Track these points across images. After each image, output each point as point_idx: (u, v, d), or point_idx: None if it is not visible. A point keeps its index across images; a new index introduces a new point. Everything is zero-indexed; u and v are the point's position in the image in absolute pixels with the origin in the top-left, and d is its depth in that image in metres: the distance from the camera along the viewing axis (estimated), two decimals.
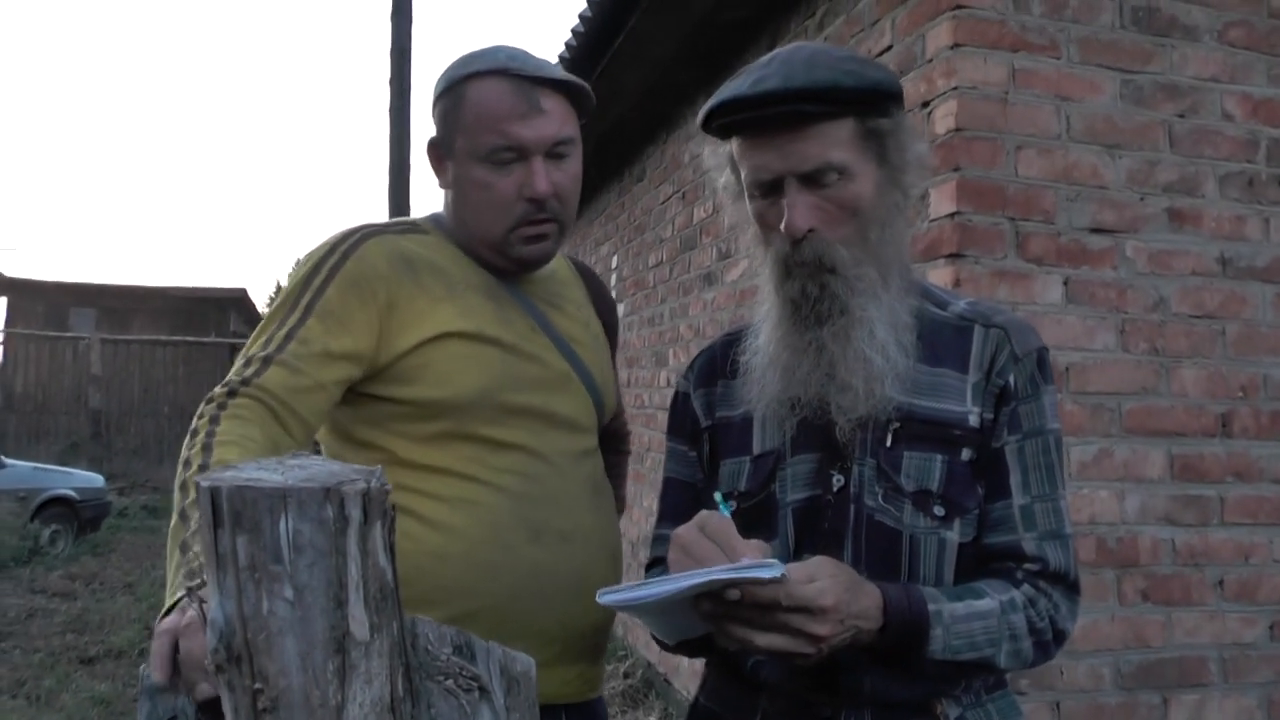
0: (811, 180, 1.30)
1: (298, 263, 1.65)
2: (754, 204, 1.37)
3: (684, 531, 1.22)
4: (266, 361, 1.48)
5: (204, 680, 1.05)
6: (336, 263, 1.58)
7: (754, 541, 1.21)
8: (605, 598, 1.14)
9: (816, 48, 1.35)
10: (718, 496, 1.33)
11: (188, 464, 1.36)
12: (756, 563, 1.11)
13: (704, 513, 1.25)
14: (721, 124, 1.36)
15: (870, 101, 1.30)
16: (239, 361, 1.51)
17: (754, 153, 1.33)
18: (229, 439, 1.36)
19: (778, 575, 1.08)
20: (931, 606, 1.22)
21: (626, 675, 5.70)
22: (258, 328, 1.57)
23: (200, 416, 1.42)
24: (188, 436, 1.41)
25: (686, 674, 4.94)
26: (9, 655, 6.62)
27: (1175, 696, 2.77)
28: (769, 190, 1.34)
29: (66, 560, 10.13)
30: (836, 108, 1.28)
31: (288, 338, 1.51)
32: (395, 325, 1.57)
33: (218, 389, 1.47)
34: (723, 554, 1.17)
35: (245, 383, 1.45)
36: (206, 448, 1.35)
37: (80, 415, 17.54)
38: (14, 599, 8.23)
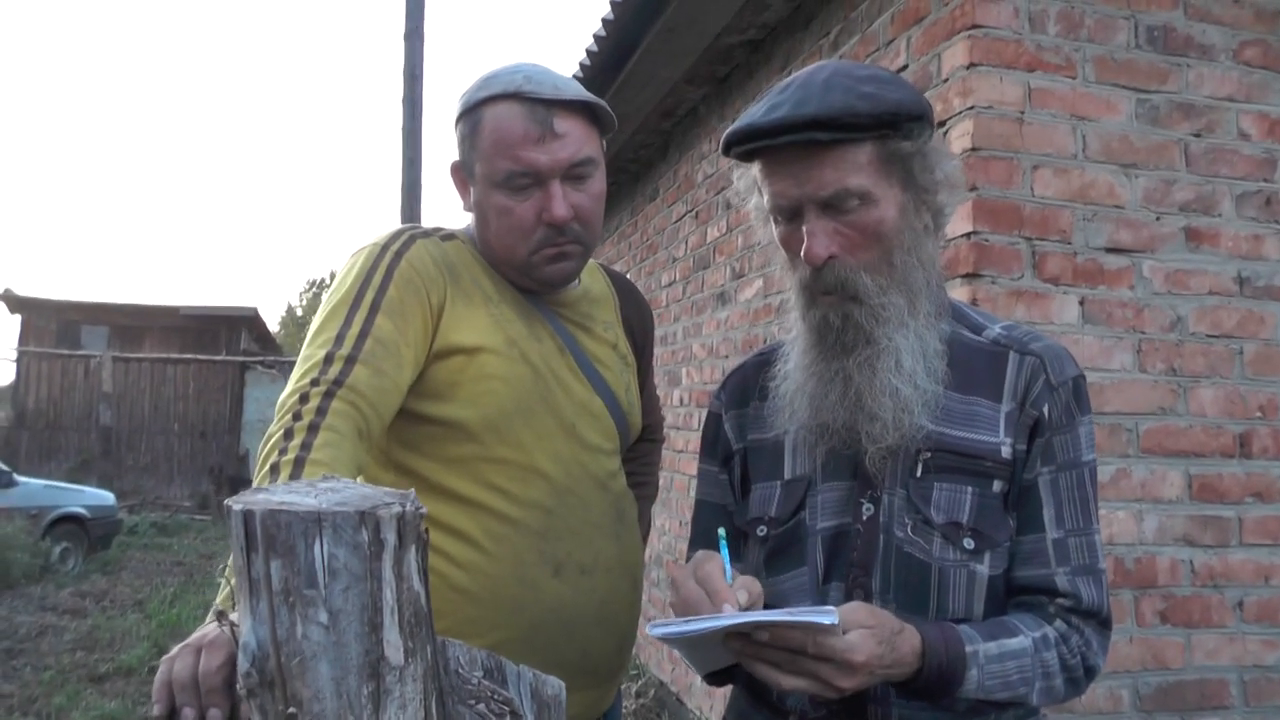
0: (831, 206, 1.27)
1: (350, 258, 1.60)
2: (778, 229, 1.35)
3: (678, 572, 1.23)
4: (350, 361, 1.44)
5: (218, 703, 1.04)
6: (392, 261, 1.56)
7: (742, 579, 1.21)
8: (655, 630, 1.13)
9: (838, 68, 1.31)
10: (721, 531, 1.31)
11: (276, 471, 1.31)
12: (813, 609, 1.10)
13: (700, 554, 1.25)
14: (739, 152, 1.34)
15: (890, 124, 1.26)
16: (314, 357, 1.45)
17: (773, 179, 1.31)
18: (321, 460, 1.32)
19: (834, 623, 1.07)
20: (968, 648, 1.21)
21: (639, 695, 5.67)
22: (318, 323, 1.51)
23: (296, 416, 1.36)
24: (279, 436, 1.35)
25: (700, 694, 4.92)
26: (20, 672, 6.62)
27: (1195, 719, 2.74)
28: (790, 216, 1.32)
29: (77, 578, 10.15)
30: (851, 133, 1.25)
31: (362, 335, 1.47)
32: (441, 328, 1.57)
33: (309, 385, 1.40)
34: (707, 597, 1.18)
35: (338, 383, 1.41)
36: (299, 462, 1.31)
37: (91, 433, 17.60)
38: (25, 616, 8.24)
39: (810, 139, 1.25)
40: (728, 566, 1.22)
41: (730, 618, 1.11)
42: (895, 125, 1.27)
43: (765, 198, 1.34)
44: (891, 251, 1.30)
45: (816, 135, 1.24)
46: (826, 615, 1.07)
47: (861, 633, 1.13)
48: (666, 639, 1.13)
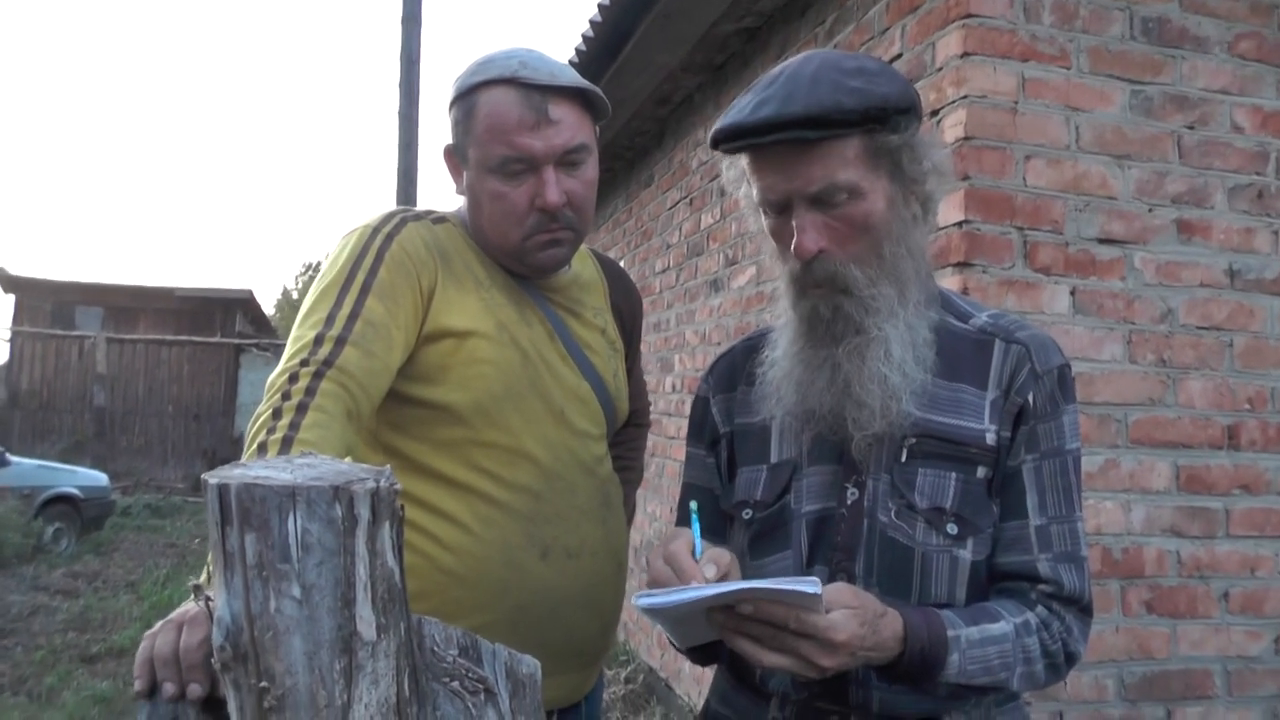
0: (819, 200, 1.28)
1: (341, 240, 1.60)
2: (767, 221, 1.36)
3: (651, 554, 1.24)
4: (340, 342, 1.44)
5: (198, 679, 1.04)
6: (383, 244, 1.56)
7: (711, 551, 1.22)
8: (641, 601, 1.14)
9: (825, 60, 1.30)
10: (692, 505, 1.32)
11: (264, 450, 1.31)
12: (797, 579, 1.10)
13: (669, 531, 1.27)
14: (728, 148, 1.34)
15: (877, 118, 1.26)
16: (305, 338, 1.45)
17: (762, 174, 1.32)
18: (309, 440, 1.32)
19: (817, 592, 1.08)
20: (949, 632, 1.21)
21: (628, 680, 5.69)
22: (308, 305, 1.51)
23: (285, 396, 1.36)
24: (268, 415, 1.35)
25: (688, 679, 4.93)
26: (11, 652, 6.63)
27: (1179, 709, 2.76)
28: (779, 210, 1.32)
29: (69, 558, 10.15)
30: (839, 129, 1.25)
31: (353, 317, 1.47)
32: (431, 311, 1.57)
33: (298, 365, 1.40)
34: (675, 575, 1.19)
35: (328, 364, 1.41)
36: (287, 442, 1.31)
37: (85, 414, 17.56)
38: (17, 596, 8.25)
39: (798, 137, 1.25)
40: (698, 542, 1.24)
41: (715, 588, 1.12)
42: (883, 119, 1.27)
43: (754, 191, 1.35)
44: (880, 243, 1.30)
45: (804, 133, 1.24)
46: (810, 585, 1.08)
47: (844, 612, 1.13)
48: (650, 610, 1.14)
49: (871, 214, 1.29)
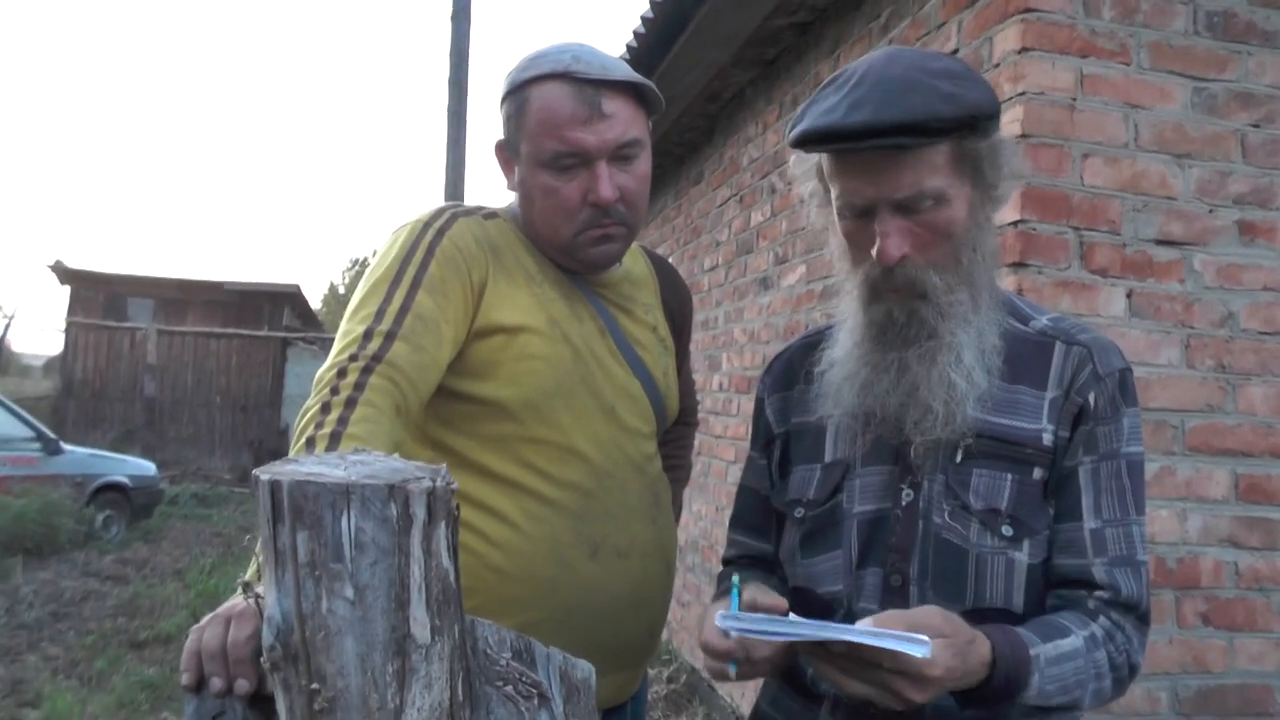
0: (904, 207, 1.26)
1: (391, 235, 1.59)
2: (844, 223, 1.33)
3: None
4: (390, 337, 1.43)
5: (246, 674, 1.03)
6: (434, 239, 1.56)
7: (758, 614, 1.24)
8: (726, 623, 1.11)
9: (912, 61, 1.28)
10: (735, 580, 1.30)
11: (312, 444, 1.30)
12: (905, 636, 1.04)
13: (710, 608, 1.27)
14: (815, 149, 1.31)
15: (969, 125, 1.25)
16: (354, 332, 1.44)
17: (846, 176, 1.29)
18: (358, 435, 1.31)
19: (926, 655, 1.02)
20: (1031, 651, 1.17)
21: (670, 680, 5.67)
22: (358, 299, 1.51)
23: (334, 390, 1.36)
24: (316, 409, 1.34)
25: (731, 681, 4.90)
26: (63, 636, 6.75)
27: None
28: (861, 213, 1.30)
29: (119, 545, 10.30)
30: (934, 139, 1.23)
31: (403, 311, 1.46)
32: (482, 307, 1.56)
33: (348, 360, 1.40)
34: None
35: (377, 359, 1.40)
36: (335, 437, 1.30)
37: (135, 404, 17.84)
38: (69, 581, 8.39)
39: (896, 144, 1.22)
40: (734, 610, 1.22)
41: (814, 628, 1.08)
42: (974, 126, 1.26)
43: (834, 191, 1.32)
44: (959, 249, 1.30)
45: (902, 140, 1.22)
46: (919, 647, 1.02)
47: (939, 643, 1.08)
48: (738, 632, 1.12)
49: (954, 220, 1.28)
